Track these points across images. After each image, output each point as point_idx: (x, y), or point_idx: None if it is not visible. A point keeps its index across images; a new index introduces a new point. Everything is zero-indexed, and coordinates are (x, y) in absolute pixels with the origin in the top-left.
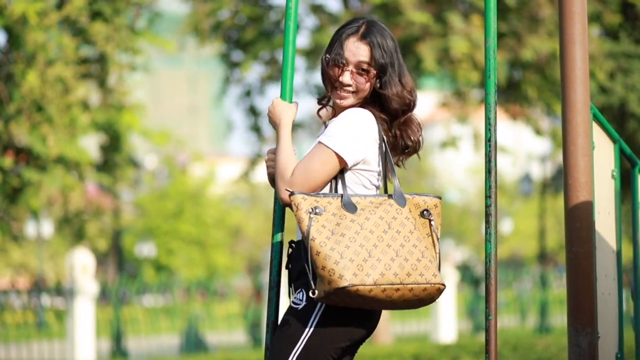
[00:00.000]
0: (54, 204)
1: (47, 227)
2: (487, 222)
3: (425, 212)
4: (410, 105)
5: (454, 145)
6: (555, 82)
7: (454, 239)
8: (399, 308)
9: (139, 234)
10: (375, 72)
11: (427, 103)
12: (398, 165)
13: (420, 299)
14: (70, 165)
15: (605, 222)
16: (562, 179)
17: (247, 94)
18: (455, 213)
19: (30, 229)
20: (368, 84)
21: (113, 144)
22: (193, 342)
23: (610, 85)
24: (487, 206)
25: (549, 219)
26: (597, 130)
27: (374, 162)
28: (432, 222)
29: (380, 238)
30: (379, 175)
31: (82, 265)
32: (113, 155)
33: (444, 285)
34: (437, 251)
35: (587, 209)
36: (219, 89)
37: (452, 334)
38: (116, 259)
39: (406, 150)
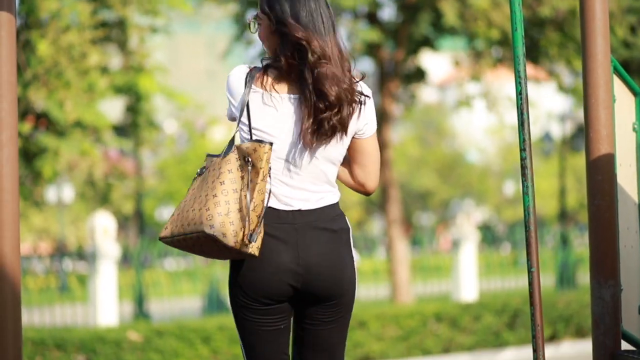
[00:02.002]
0: (75, 169)
1: (68, 192)
2: (524, 174)
3: (246, 158)
4: (304, 49)
5: (468, 104)
6: (575, 38)
7: (474, 199)
8: (212, 256)
9: (159, 198)
10: (262, 19)
11: (444, 64)
12: (342, 128)
13: (214, 248)
14: (89, 130)
15: (627, 175)
16: (582, 138)
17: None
18: (475, 173)
19: (51, 194)
20: (261, 34)
21: (134, 106)
22: (215, 304)
23: (632, 40)
24: (522, 159)
25: (569, 178)
26: (617, 83)
27: (242, 117)
28: (249, 168)
29: (197, 191)
30: (248, 128)
31: (103, 229)
32: (135, 117)
33: (215, 235)
34: (246, 197)
35: (608, 161)
36: (228, 48)
37: (473, 294)
38: (137, 223)
39: (330, 107)
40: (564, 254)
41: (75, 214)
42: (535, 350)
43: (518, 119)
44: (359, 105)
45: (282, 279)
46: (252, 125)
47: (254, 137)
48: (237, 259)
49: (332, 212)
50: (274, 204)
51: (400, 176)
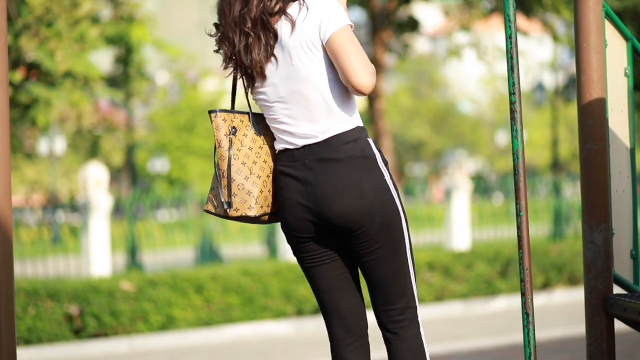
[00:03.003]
0: (67, 121)
1: (60, 144)
2: (513, 118)
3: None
4: None
5: (458, 55)
6: None
7: (467, 150)
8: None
9: (152, 150)
10: None
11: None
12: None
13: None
14: (80, 81)
15: (619, 120)
16: (575, 88)
17: None
18: (467, 124)
19: (43, 146)
20: None
21: (125, 58)
22: (208, 255)
23: None
24: (511, 103)
25: (561, 128)
26: (610, 28)
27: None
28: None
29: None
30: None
31: (96, 180)
32: (126, 68)
33: (207, 211)
34: (221, 171)
35: (600, 106)
36: None
37: (466, 243)
38: (129, 175)
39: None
40: (556, 204)
41: (67, 166)
42: (524, 294)
43: (508, 63)
44: (302, 9)
45: (298, 215)
46: (236, 93)
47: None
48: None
49: (340, 142)
50: (286, 145)
51: (393, 127)
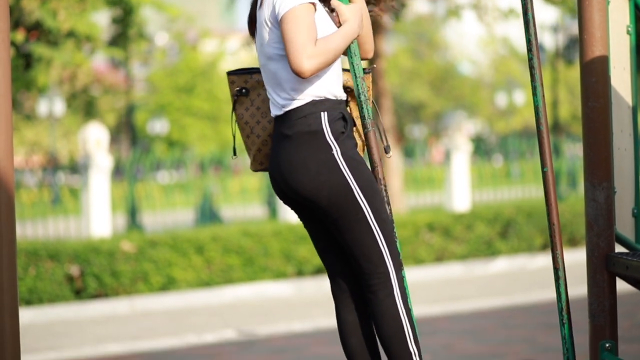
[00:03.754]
0: (65, 82)
1: (59, 106)
2: (532, 75)
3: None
4: None
5: (457, 15)
6: None
7: (467, 111)
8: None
9: (151, 111)
10: None
11: None
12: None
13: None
14: (81, 40)
15: (621, 78)
16: (575, 49)
17: None
18: (467, 85)
19: (42, 107)
20: None
21: (125, 18)
22: (208, 216)
23: None
24: (529, 59)
25: (561, 89)
26: None
27: None
28: None
29: None
30: None
31: (95, 140)
32: (124, 29)
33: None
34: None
35: (602, 63)
36: None
37: (466, 204)
38: (129, 136)
39: None
40: (556, 164)
41: (67, 127)
42: (553, 249)
43: (523, 20)
44: None
45: (272, 182)
46: None
47: None
48: None
49: (294, 117)
50: (272, 112)
51: (392, 88)
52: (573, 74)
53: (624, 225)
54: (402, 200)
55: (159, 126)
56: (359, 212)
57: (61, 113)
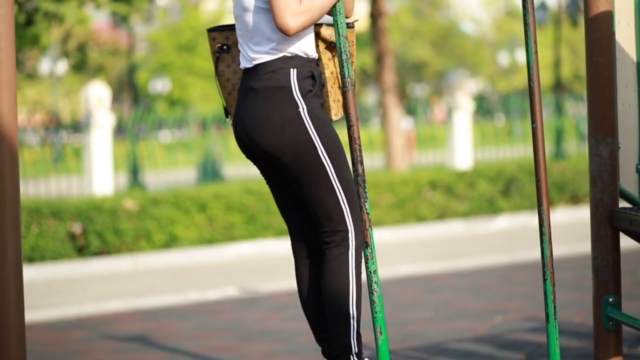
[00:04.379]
0: (68, 40)
1: (61, 65)
2: (525, 32)
3: None
4: None
5: None
6: None
7: (469, 70)
8: None
9: (153, 70)
10: None
11: None
12: None
13: None
14: None
15: (625, 33)
16: (576, 8)
17: None
18: (469, 44)
19: (44, 66)
20: None
21: None
22: (210, 174)
23: None
24: (524, 16)
25: (564, 49)
26: None
27: None
28: None
29: None
30: None
31: (97, 98)
32: None
33: None
34: None
35: (606, 18)
36: None
37: (468, 163)
38: (131, 95)
39: None
40: (558, 123)
41: (68, 86)
42: (539, 206)
43: None
44: None
45: (236, 137)
46: None
47: None
48: None
49: (262, 71)
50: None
51: (394, 47)
52: (575, 33)
53: (627, 180)
54: (404, 158)
55: (160, 85)
56: (321, 170)
57: (63, 72)
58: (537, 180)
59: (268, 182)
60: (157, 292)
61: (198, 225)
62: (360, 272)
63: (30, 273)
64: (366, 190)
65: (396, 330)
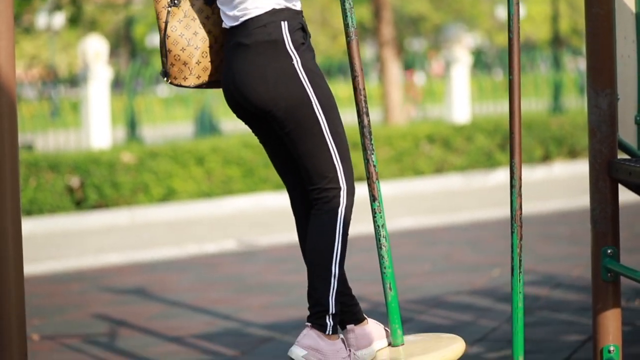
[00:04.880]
0: None
1: (58, 19)
2: None
3: None
4: None
5: None
6: None
7: (466, 24)
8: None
9: (149, 24)
10: None
11: None
12: None
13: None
14: None
15: None
16: None
17: None
18: None
19: (41, 21)
20: None
21: None
22: (207, 128)
23: None
24: None
25: (562, 3)
26: None
27: None
28: None
29: None
30: None
31: (94, 52)
32: None
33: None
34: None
35: None
36: None
37: (466, 117)
38: (128, 49)
39: None
40: (556, 77)
41: (66, 41)
42: (511, 158)
43: None
44: None
45: (226, 96)
46: None
47: None
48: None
49: (252, 26)
50: (224, 23)
51: (392, 0)
52: None
53: (626, 132)
54: (401, 112)
55: (157, 39)
56: (315, 125)
57: (60, 26)
58: (511, 133)
59: (262, 142)
60: (156, 245)
61: (196, 178)
62: (347, 233)
63: (29, 226)
64: (372, 142)
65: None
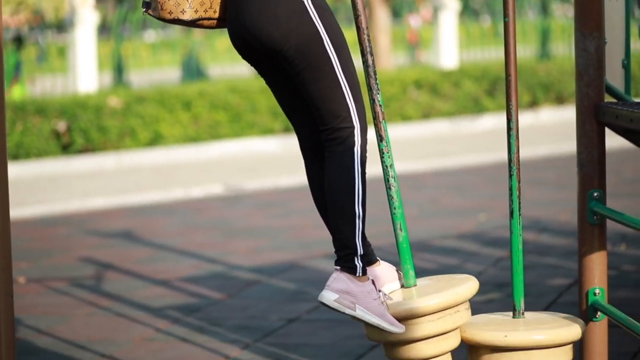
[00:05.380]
0: None
1: None
2: None
3: None
4: None
5: None
6: None
7: None
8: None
9: None
10: None
11: None
12: None
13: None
14: None
15: None
16: None
17: None
18: None
19: None
20: None
21: None
22: (194, 73)
23: None
24: None
25: None
26: None
27: None
28: None
29: None
30: None
31: None
32: None
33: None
34: None
35: None
36: None
37: (453, 62)
38: None
39: None
40: (544, 23)
41: None
42: (507, 101)
43: None
44: None
45: (233, 36)
46: None
47: None
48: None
49: None
50: None
51: None
52: None
53: (613, 76)
54: (389, 58)
55: None
56: (326, 63)
57: None
58: (507, 75)
59: (269, 83)
60: (142, 190)
61: (183, 123)
62: (365, 172)
63: (15, 170)
64: (377, 82)
65: (382, 227)
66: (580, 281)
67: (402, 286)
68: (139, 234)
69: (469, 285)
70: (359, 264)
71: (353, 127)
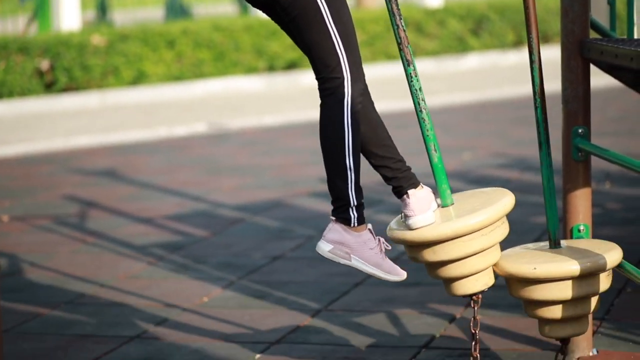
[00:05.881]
0: None
1: None
2: None
3: None
4: None
5: None
6: None
7: None
8: None
9: None
10: None
11: None
12: None
13: None
14: None
15: None
16: None
17: None
18: None
19: None
20: None
21: None
22: (178, 11)
23: None
24: None
25: None
26: None
27: None
28: None
29: None
30: None
31: None
32: None
33: None
34: None
35: None
36: None
37: (438, 0)
38: None
39: None
40: None
41: None
42: (528, 33)
43: None
44: None
45: None
46: None
47: None
48: None
49: None
50: None
51: None
52: None
53: (599, 12)
54: None
55: None
56: (317, 13)
57: None
58: (526, 8)
59: (283, 30)
60: (126, 128)
61: (166, 61)
62: (358, 123)
63: None
64: (398, 6)
65: (366, 164)
66: (565, 218)
67: (439, 206)
68: (122, 172)
69: (505, 201)
70: (353, 214)
71: (343, 78)
